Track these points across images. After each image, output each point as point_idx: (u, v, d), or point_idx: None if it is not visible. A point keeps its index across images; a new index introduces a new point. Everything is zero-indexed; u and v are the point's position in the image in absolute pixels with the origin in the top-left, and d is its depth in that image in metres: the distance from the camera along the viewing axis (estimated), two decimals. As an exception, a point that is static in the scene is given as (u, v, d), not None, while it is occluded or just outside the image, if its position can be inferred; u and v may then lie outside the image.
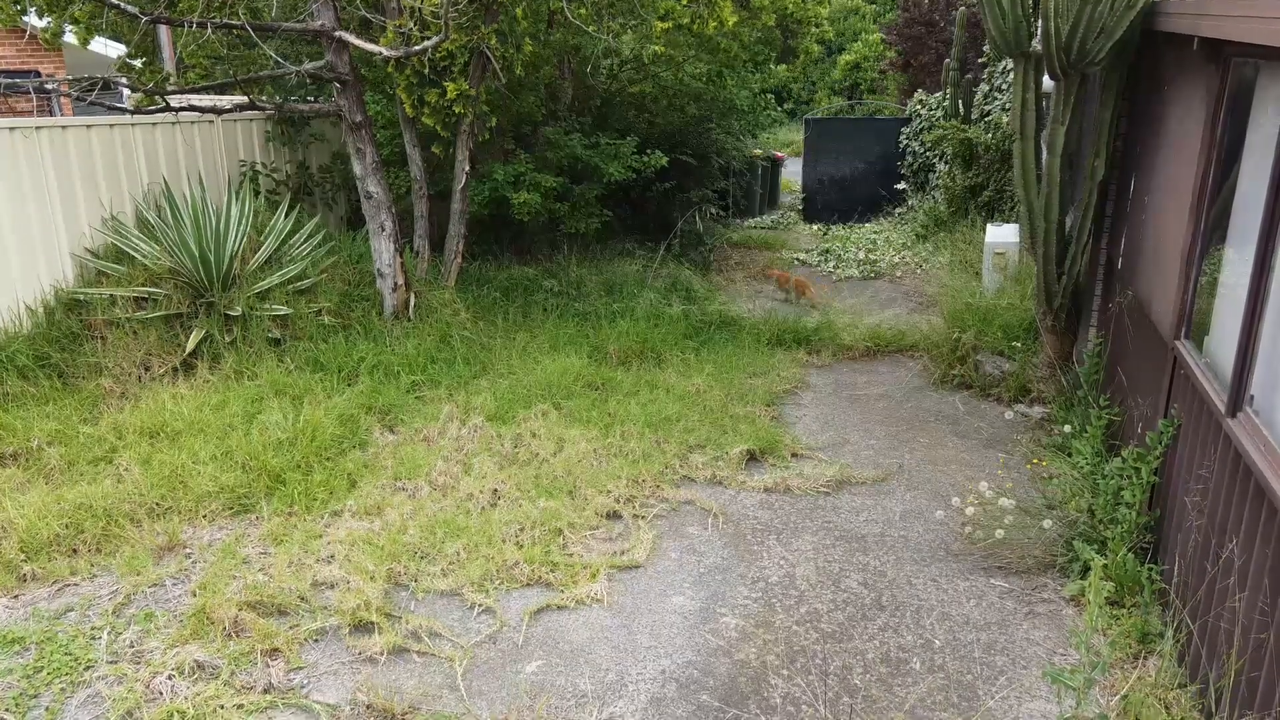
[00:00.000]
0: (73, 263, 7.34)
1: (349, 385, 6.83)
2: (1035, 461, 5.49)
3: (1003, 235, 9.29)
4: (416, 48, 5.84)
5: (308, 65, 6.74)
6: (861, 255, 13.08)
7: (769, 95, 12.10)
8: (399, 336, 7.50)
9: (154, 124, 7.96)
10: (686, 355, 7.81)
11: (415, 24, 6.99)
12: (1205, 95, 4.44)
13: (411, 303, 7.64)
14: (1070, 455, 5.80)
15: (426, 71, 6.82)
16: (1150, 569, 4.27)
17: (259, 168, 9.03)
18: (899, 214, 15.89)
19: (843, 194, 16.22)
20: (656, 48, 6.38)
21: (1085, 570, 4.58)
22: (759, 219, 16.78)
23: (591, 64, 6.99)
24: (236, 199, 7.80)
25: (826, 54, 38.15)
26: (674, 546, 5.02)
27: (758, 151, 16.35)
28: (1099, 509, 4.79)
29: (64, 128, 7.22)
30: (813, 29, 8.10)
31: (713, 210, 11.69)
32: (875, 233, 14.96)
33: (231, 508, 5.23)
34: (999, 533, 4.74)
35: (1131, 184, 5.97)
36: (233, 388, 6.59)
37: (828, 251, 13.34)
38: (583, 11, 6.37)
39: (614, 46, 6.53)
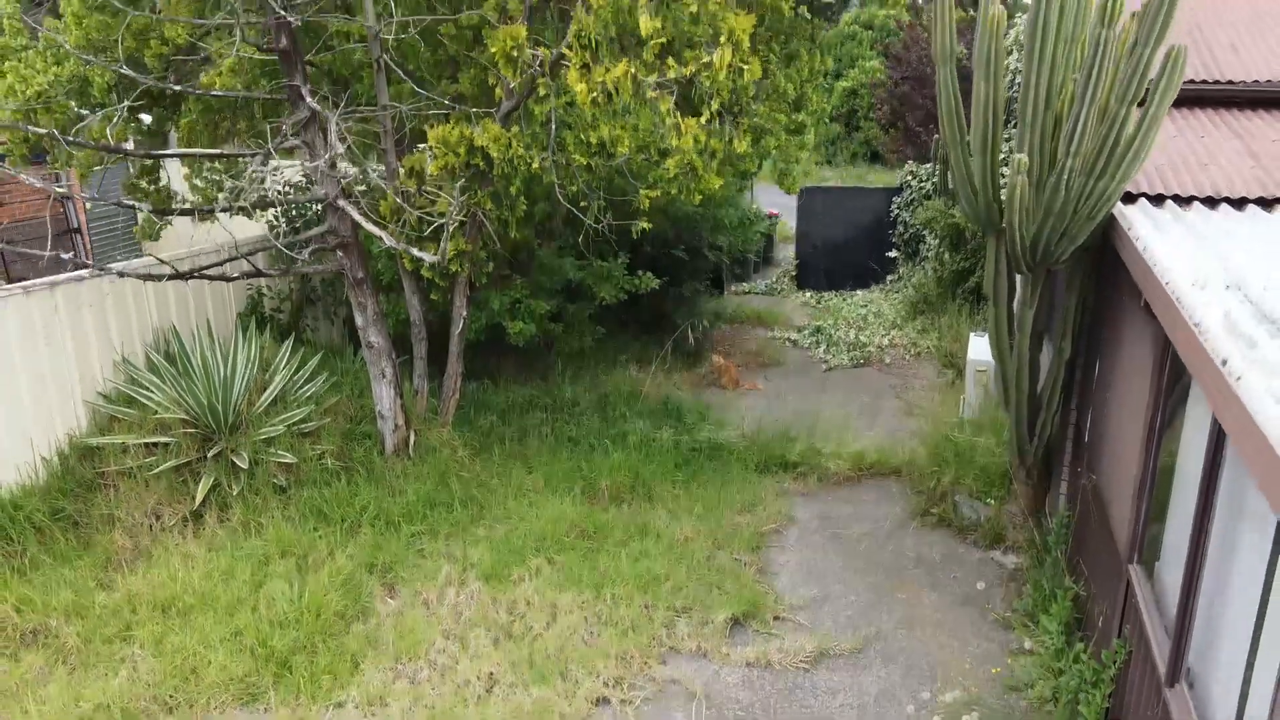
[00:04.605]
0: (86, 409, 7.64)
1: (351, 537, 7.13)
2: (998, 670, 5.79)
3: (985, 350, 9.55)
4: (416, 252, 6.14)
5: (313, 231, 7.05)
6: (852, 336, 13.37)
7: (756, 221, 12.53)
8: (399, 475, 7.80)
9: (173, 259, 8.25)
10: (676, 490, 8.10)
11: (415, 183, 7.30)
12: (1154, 341, 4.73)
13: (411, 441, 7.94)
14: (1038, 622, 6.12)
15: (425, 232, 7.11)
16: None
17: (264, 290, 9.33)
18: (890, 281, 16.20)
19: (835, 260, 16.49)
20: (644, 225, 6.68)
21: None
22: (753, 284, 17.06)
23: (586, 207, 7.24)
24: (244, 338, 8.09)
25: (823, 78, 38.44)
26: (659, 740, 5.31)
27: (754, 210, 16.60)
28: (1058, 716, 5.09)
29: (79, 280, 7.52)
30: (797, 165, 8.41)
31: (703, 286, 12.05)
32: (866, 304, 15.26)
33: (240, 698, 5.53)
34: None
35: (1096, 366, 6.26)
36: (241, 544, 6.90)
37: (819, 330, 13.60)
38: (574, 189, 6.67)
39: (604, 221, 6.83)
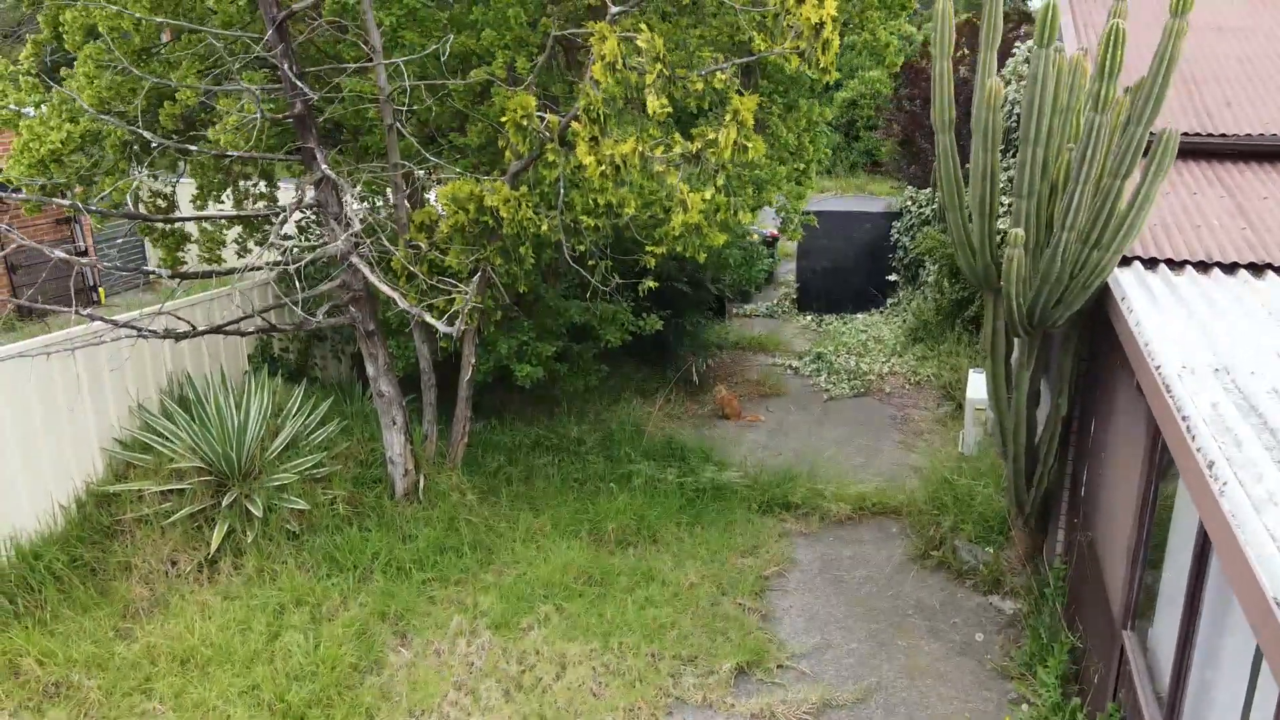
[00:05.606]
0: (102, 455, 7.79)
1: (363, 584, 7.28)
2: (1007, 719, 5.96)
3: (984, 389, 9.70)
4: (429, 319, 6.31)
5: (324, 287, 7.22)
6: (852, 364, 13.52)
7: (759, 259, 12.76)
8: (409, 520, 7.95)
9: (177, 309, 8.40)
10: (680, 533, 8.26)
11: (425, 237, 7.46)
12: (1146, 418, 4.88)
13: (421, 485, 8.09)
14: (1036, 673, 6.28)
15: (434, 283, 7.26)
16: None
17: (275, 335, 9.48)
18: (890, 304, 16.36)
19: (836, 283, 16.63)
20: (650, 284, 6.86)
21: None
22: (755, 305, 17.22)
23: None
24: (256, 384, 8.25)
25: (824, 90, 38.67)
26: (667, 797, 5.46)
27: (754, 237, 16.77)
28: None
29: (98, 340, 7.65)
30: (797, 215, 8.58)
31: (705, 318, 12.22)
32: (866, 328, 15.40)
33: (260, 756, 5.69)
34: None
35: (1093, 423, 6.42)
36: (255, 592, 7.05)
37: (820, 358, 13.75)
38: (581, 248, 6.83)
39: (611, 284, 7.02)
